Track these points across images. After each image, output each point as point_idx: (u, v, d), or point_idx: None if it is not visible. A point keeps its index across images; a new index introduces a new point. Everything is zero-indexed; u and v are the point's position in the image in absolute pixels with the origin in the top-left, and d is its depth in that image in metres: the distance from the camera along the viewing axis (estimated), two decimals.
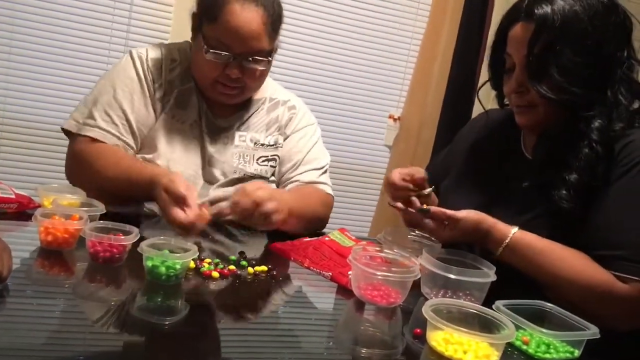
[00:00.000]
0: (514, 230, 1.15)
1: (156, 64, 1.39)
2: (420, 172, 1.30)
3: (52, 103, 2.36)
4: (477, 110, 2.78)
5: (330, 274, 1.14)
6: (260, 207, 1.17)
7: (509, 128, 1.36)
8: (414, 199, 1.24)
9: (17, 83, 2.32)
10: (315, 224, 1.43)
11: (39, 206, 1.15)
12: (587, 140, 1.15)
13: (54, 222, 1.01)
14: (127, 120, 1.34)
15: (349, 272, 1.08)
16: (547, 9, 1.14)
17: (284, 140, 1.50)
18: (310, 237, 1.30)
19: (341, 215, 2.78)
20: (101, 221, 1.04)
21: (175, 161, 1.37)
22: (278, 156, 1.49)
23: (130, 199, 1.31)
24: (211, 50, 1.30)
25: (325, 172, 1.53)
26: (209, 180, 1.41)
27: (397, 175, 1.28)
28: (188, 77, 1.41)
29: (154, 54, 1.40)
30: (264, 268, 1.10)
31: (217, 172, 1.41)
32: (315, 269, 1.16)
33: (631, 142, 1.14)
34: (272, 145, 1.48)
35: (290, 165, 1.49)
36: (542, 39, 1.14)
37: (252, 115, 1.47)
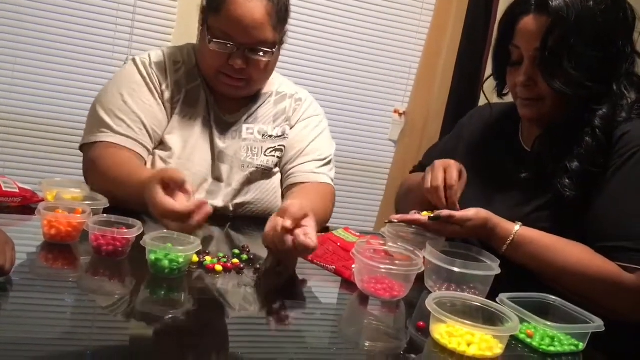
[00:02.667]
0: (517, 227, 1.15)
1: (160, 67, 1.39)
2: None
3: (57, 99, 2.37)
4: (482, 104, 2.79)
5: (334, 267, 1.14)
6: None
7: (507, 121, 1.36)
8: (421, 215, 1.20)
9: (22, 79, 2.34)
10: (325, 223, 1.43)
11: (43, 200, 1.15)
12: (589, 129, 1.15)
13: (57, 215, 1.01)
14: (142, 122, 1.33)
15: (353, 266, 1.08)
16: (561, 2, 1.13)
17: (290, 130, 1.50)
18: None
19: (346, 210, 2.78)
20: (104, 215, 1.04)
21: (188, 159, 1.37)
22: (284, 146, 1.48)
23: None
24: (214, 41, 1.30)
25: (328, 163, 1.51)
26: (218, 177, 1.41)
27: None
28: (194, 75, 1.41)
29: (156, 58, 1.41)
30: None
31: (225, 168, 1.41)
32: (319, 263, 1.16)
33: (628, 133, 1.15)
34: (280, 136, 1.48)
35: (291, 154, 1.48)
36: (556, 33, 1.13)
37: (259, 108, 1.47)
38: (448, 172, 1.22)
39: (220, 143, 1.41)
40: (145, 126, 1.33)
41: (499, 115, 1.41)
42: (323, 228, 1.41)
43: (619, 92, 1.16)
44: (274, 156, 1.47)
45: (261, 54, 1.33)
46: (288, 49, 2.55)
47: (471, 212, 1.14)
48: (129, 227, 1.00)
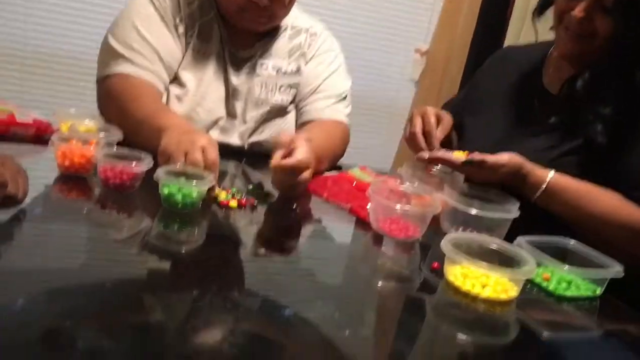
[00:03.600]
0: (550, 173, 1.11)
1: (173, 0, 1.34)
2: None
3: (74, 31, 2.33)
4: (509, 43, 2.70)
5: (350, 206, 1.12)
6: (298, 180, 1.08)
7: (528, 64, 1.31)
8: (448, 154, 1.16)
9: (37, 9, 2.28)
10: (336, 161, 1.42)
11: (58, 131, 1.14)
12: (627, 75, 1.11)
13: (71, 146, 0.99)
14: (158, 55, 1.29)
15: (368, 205, 1.06)
16: None
17: (305, 65, 1.46)
18: (329, 172, 1.28)
19: (363, 151, 2.74)
20: (115, 147, 1.03)
21: (202, 97, 1.34)
22: (299, 83, 1.45)
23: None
24: None
25: (343, 99, 1.48)
26: (232, 114, 1.39)
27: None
28: (207, 8, 1.36)
29: None
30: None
31: (240, 105, 1.39)
32: (334, 201, 1.15)
33: None
34: (295, 72, 1.44)
35: (306, 91, 1.45)
36: None
37: (274, 42, 1.43)
38: (425, 118, 1.23)
39: (234, 79, 1.38)
40: (162, 59, 1.30)
41: (520, 58, 1.36)
42: (335, 167, 1.40)
43: None
44: (288, 93, 1.43)
45: None
46: None
47: (504, 158, 1.10)
48: (140, 160, 0.99)
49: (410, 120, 1.26)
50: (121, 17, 1.34)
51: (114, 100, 1.26)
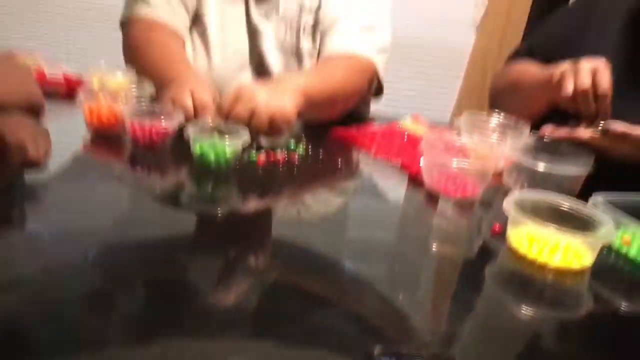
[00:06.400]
0: None
1: None
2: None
3: None
4: None
5: (400, 162, 1.02)
6: (255, 117, 0.95)
7: None
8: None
9: None
10: (348, 99, 1.21)
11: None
12: None
13: (99, 103, 0.93)
14: None
15: (421, 160, 0.96)
16: None
17: None
18: (380, 123, 1.17)
19: (419, 99, 2.62)
20: (145, 103, 0.96)
21: (225, 39, 1.25)
22: (319, 18, 1.28)
23: None
24: None
25: (368, 30, 1.26)
26: (257, 56, 1.28)
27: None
28: None
29: None
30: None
31: (267, 46, 1.27)
32: (383, 157, 1.05)
33: None
34: (317, 7, 1.27)
35: (325, 23, 1.26)
36: None
37: None
38: (599, 75, 0.95)
39: (255, 19, 1.27)
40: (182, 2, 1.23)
41: None
42: (359, 116, 1.26)
43: None
44: (315, 35, 1.28)
45: None
46: None
47: None
48: (169, 116, 0.91)
49: (576, 72, 0.98)
50: None
51: (129, 49, 1.21)
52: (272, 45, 1.28)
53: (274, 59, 1.28)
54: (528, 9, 2.51)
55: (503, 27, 2.53)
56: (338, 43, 1.22)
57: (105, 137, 0.95)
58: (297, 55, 1.29)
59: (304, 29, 1.28)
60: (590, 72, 0.96)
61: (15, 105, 0.76)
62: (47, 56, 1.10)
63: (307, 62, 1.29)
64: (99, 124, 0.94)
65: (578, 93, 0.95)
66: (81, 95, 0.94)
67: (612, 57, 1.00)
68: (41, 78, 1.06)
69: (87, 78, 1.05)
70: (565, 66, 0.99)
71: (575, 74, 0.96)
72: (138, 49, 1.18)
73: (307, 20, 1.28)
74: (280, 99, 0.97)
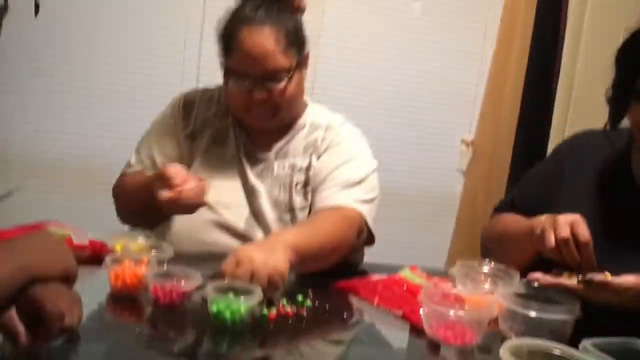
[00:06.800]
0: None
1: (188, 105, 1.47)
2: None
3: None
4: (555, 130, 2.68)
5: (401, 311, 1.09)
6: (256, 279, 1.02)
7: (614, 153, 1.23)
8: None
9: (96, 123, 2.43)
10: (338, 250, 1.26)
11: (112, 251, 1.18)
12: None
13: (124, 267, 1.02)
14: (152, 159, 1.44)
15: (421, 310, 1.03)
16: None
17: (317, 159, 1.42)
18: (380, 274, 1.26)
19: (414, 246, 2.71)
20: (165, 266, 1.05)
21: (220, 194, 1.37)
22: (310, 178, 1.42)
23: (151, 214, 1.33)
24: (232, 78, 1.34)
25: (357, 184, 1.36)
26: (256, 211, 1.39)
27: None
28: (226, 115, 1.46)
29: (190, 96, 1.50)
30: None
31: (263, 204, 1.40)
32: (386, 307, 1.12)
33: None
34: (307, 168, 1.41)
35: (316, 183, 1.39)
36: None
37: (290, 141, 1.44)
38: (576, 227, 1.05)
39: (252, 178, 1.41)
40: (155, 164, 1.43)
41: (607, 147, 1.25)
42: (351, 263, 1.35)
43: None
44: (305, 192, 1.41)
45: (278, 81, 1.33)
46: (350, 81, 2.58)
47: (630, 280, 0.99)
48: (189, 278, 1.00)
49: (555, 226, 1.07)
50: (153, 122, 1.51)
51: (118, 192, 1.45)
52: (267, 202, 1.40)
53: (269, 214, 1.40)
54: (510, 155, 2.69)
55: (488, 172, 2.70)
56: (327, 198, 1.34)
57: (128, 297, 1.03)
58: (290, 210, 1.40)
59: (296, 186, 1.41)
60: (568, 224, 1.06)
61: (54, 276, 0.84)
62: (74, 224, 1.20)
63: (300, 215, 1.40)
64: (123, 286, 1.02)
65: (560, 244, 1.05)
66: (107, 261, 1.02)
67: (584, 213, 1.10)
68: (69, 244, 1.15)
69: (111, 243, 1.15)
70: (544, 220, 1.11)
71: (555, 227, 1.07)
72: (119, 194, 1.45)
73: (299, 178, 1.42)
74: (275, 258, 1.06)
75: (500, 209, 1.42)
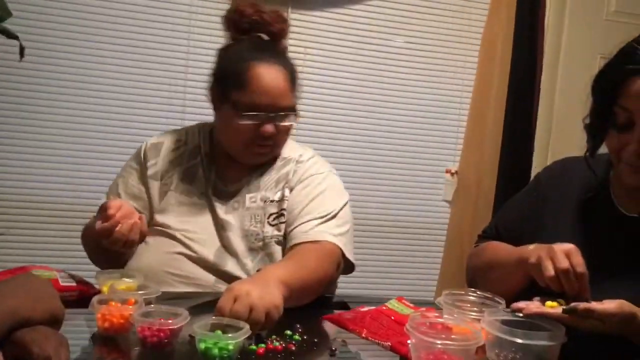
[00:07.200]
0: None
1: (155, 147, 1.50)
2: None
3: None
4: (538, 158, 2.73)
5: (390, 343, 1.10)
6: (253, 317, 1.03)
7: (595, 182, 1.25)
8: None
9: (84, 168, 2.43)
10: (322, 283, 1.30)
11: (99, 292, 1.18)
12: None
13: (110, 308, 1.02)
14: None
15: (409, 341, 1.04)
16: None
17: (290, 192, 1.45)
18: (367, 306, 1.26)
19: (403, 276, 2.72)
20: (152, 305, 1.05)
21: (189, 231, 1.41)
22: (285, 210, 1.44)
23: (107, 254, 1.34)
24: (244, 114, 1.36)
25: (332, 218, 1.40)
26: (227, 245, 1.41)
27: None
28: (194, 154, 1.49)
29: (157, 139, 1.53)
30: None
31: (233, 236, 1.42)
32: (373, 339, 1.12)
33: None
34: (280, 200, 1.44)
35: (291, 216, 1.42)
36: None
37: (262, 175, 1.47)
38: (573, 258, 1.07)
39: (222, 213, 1.44)
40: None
41: (583, 175, 1.27)
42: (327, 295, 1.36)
43: None
44: (278, 224, 1.43)
45: (288, 119, 1.40)
46: (336, 114, 2.62)
47: (613, 306, 1.00)
48: (176, 316, 1.00)
49: (552, 255, 1.08)
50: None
51: (85, 246, 1.46)
52: (238, 234, 1.42)
53: (239, 245, 1.41)
54: (495, 184, 2.72)
55: (474, 201, 2.72)
56: (306, 233, 1.37)
57: (116, 338, 1.02)
58: (262, 239, 1.42)
59: (269, 218, 1.44)
60: (565, 254, 1.08)
61: (40, 319, 0.84)
62: (60, 267, 1.21)
63: (270, 244, 1.42)
64: (110, 327, 1.02)
65: (560, 274, 1.06)
66: (94, 301, 1.02)
67: (568, 240, 1.11)
68: (56, 286, 1.15)
69: (98, 284, 1.15)
70: (536, 249, 1.12)
71: (552, 257, 1.08)
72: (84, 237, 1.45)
73: (271, 210, 1.45)
74: (270, 292, 1.08)
75: (484, 236, 1.44)
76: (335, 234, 1.38)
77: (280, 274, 1.18)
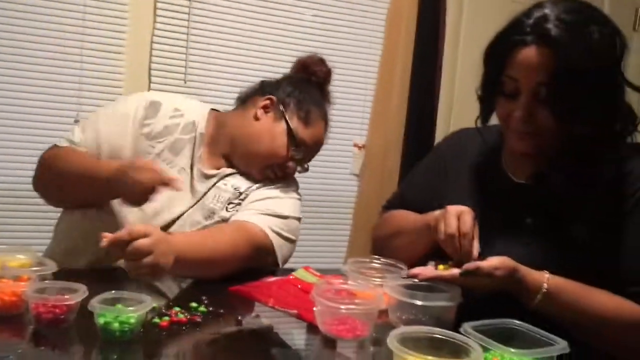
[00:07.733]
0: (546, 275, 1.08)
1: (154, 106, 1.45)
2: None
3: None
4: (440, 132, 2.83)
5: (296, 311, 1.11)
6: (133, 241, 1.04)
7: (487, 148, 1.32)
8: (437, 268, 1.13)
9: None
10: (229, 261, 1.27)
11: None
12: (592, 168, 1.13)
13: (1, 285, 0.96)
14: (98, 145, 1.38)
15: (315, 308, 1.05)
16: (563, 33, 1.07)
17: (257, 189, 1.47)
18: (274, 276, 1.27)
19: (313, 248, 2.75)
20: (47, 281, 1.00)
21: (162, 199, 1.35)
22: (243, 201, 1.45)
23: (90, 198, 1.36)
24: (294, 147, 1.46)
25: (277, 217, 1.40)
26: (191, 220, 1.41)
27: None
28: (190, 130, 1.46)
29: (155, 97, 1.48)
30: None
31: (199, 212, 1.41)
32: (280, 308, 1.13)
33: (632, 173, 1.14)
34: (245, 190, 1.46)
35: (241, 207, 1.43)
36: (561, 66, 1.07)
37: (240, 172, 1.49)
38: (462, 218, 1.12)
39: (198, 186, 1.43)
40: (100, 146, 1.39)
41: (476, 143, 1.34)
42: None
43: (618, 126, 1.13)
44: (232, 210, 1.43)
45: (307, 164, 1.57)
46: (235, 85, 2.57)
47: (495, 261, 1.05)
48: (73, 292, 0.96)
49: (444, 218, 1.13)
50: (110, 105, 1.51)
51: (52, 166, 1.37)
52: (203, 211, 1.41)
53: (194, 217, 1.41)
54: (400, 158, 2.80)
55: (381, 175, 2.80)
56: (242, 215, 1.38)
57: (9, 318, 0.97)
58: (209, 216, 1.42)
59: (227, 205, 1.43)
60: (456, 216, 1.13)
61: None
62: None
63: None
64: (1, 306, 0.96)
65: (446, 237, 1.12)
66: None
67: (466, 202, 1.18)
68: None
69: None
70: (437, 214, 1.17)
71: (445, 220, 1.13)
72: (52, 163, 1.36)
73: (234, 198, 1.44)
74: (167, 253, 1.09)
75: (389, 206, 1.48)
76: (273, 229, 1.37)
77: (182, 238, 1.22)
